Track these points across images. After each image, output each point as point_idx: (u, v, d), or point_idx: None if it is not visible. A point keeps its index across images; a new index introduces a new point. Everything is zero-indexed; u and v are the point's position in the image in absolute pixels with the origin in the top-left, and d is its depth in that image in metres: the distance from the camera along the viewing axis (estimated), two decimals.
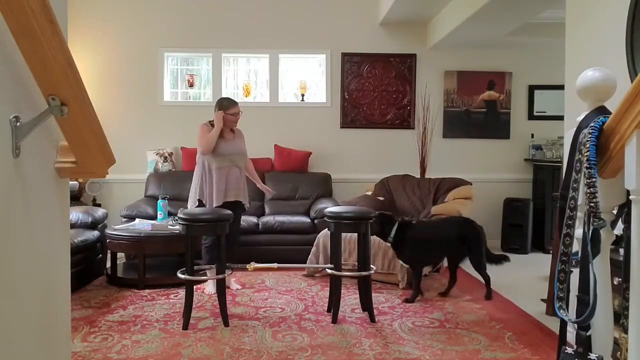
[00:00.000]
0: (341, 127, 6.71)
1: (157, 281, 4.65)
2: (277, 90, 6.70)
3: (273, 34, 6.59)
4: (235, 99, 6.73)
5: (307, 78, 6.79)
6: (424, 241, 4.37)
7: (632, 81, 2.54)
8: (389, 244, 4.70)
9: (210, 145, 4.37)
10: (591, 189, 1.59)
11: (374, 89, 6.70)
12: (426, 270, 4.97)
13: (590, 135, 1.63)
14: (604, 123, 1.63)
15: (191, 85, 6.71)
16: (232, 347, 3.27)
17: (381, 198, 6.03)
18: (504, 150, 6.80)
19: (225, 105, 4.56)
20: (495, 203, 6.62)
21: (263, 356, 3.14)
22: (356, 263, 4.23)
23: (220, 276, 3.71)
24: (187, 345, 3.30)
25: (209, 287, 4.47)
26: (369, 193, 6.16)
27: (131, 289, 4.55)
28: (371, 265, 4.02)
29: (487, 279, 4.45)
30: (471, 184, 5.96)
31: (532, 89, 6.79)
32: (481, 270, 4.46)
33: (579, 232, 1.69)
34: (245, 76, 6.87)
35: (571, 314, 1.69)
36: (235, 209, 4.29)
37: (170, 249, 4.84)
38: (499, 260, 4.59)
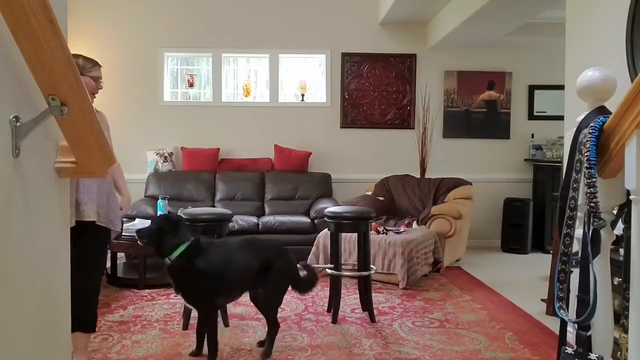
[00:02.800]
0: (341, 127, 6.71)
1: (157, 281, 4.64)
2: (277, 90, 6.70)
3: (273, 34, 6.59)
4: (235, 99, 6.88)
5: (307, 78, 6.79)
6: (216, 272, 2.98)
7: (632, 81, 2.54)
8: (389, 244, 4.71)
9: None
10: (591, 189, 1.59)
11: (374, 89, 6.70)
12: (426, 270, 4.98)
13: (590, 135, 1.63)
14: (604, 123, 1.63)
15: (191, 85, 6.71)
16: (232, 347, 3.27)
17: (381, 198, 6.04)
18: (504, 150, 6.80)
19: (82, 65, 2.92)
20: (495, 203, 6.63)
21: None
22: (356, 263, 4.23)
23: None
24: (187, 345, 3.30)
25: None
26: (369, 193, 6.16)
27: (131, 289, 4.55)
28: (371, 265, 4.02)
29: (271, 325, 3.16)
30: (471, 184, 5.97)
31: (532, 89, 6.79)
32: (268, 311, 3.20)
33: (579, 232, 1.69)
34: (245, 76, 6.87)
35: (571, 314, 1.69)
36: (82, 235, 2.64)
37: None
38: (307, 285, 3.32)
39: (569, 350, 1.65)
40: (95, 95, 3.02)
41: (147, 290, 4.51)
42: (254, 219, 5.68)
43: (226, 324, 3.65)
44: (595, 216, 1.60)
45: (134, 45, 6.53)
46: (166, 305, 4.14)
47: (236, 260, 3.06)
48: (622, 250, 1.70)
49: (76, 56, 2.84)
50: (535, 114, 6.82)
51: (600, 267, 1.64)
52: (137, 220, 5.22)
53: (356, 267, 4.17)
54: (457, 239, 5.50)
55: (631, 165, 1.52)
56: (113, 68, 6.49)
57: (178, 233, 2.96)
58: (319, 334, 3.54)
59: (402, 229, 5.13)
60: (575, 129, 1.74)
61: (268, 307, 3.18)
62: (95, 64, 3.04)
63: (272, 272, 3.08)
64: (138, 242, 3.11)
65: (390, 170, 6.41)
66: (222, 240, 3.47)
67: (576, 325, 1.63)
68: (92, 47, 6.43)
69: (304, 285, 3.28)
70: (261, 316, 3.87)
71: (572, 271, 1.71)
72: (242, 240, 3.30)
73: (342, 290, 4.05)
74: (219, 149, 6.51)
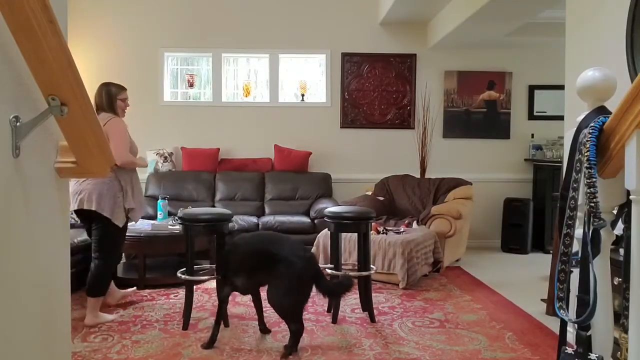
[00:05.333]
0: (341, 127, 6.71)
1: (157, 281, 4.65)
2: (277, 90, 6.70)
3: (273, 34, 6.59)
4: (235, 99, 6.87)
5: (307, 78, 6.79)
6: (228, 256, 3.41)
7: (632, 81, 2.54)
8: (389, 244, 4.72)
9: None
10: (591, 189, 1.59)
11: (374, 89, 6.70)
12: (426, 270, 4.99)
13: (590, 135, 1.63)
14: (604, 123, 1.63)
15: (191, 85, 6.71)
16: (232, 347, 3.27)
17: (381, 198, 6.04)
18: (504, 150, 6.80)
19: (114, 91, 3.92)
20: (495, 203, 6.62)
21: (263, 356, 3.14)
22: (356, 263, 4.23)
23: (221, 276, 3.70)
24: (187, 345, 3.30)
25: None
26: (369, 193, 6.16)
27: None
28: (371, 265, 4.02)
29: (293, 332, 3.17)
30: (471, 184, 5.97)
31: (532, 89, 6.79)
32: (276, 311, 3.25)
33: (579, 232, 1.69)
34: (245, 76, 6.87)
35: (571, 314, 1.69)
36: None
37: (170, 249, 4.84)
38: (339, 290, 3.39)
39: (569, 350, 1.65)
40: (125, 111, 3.99)
41: (147, 290, 4.51)
42: (254, 219, 5.68)
43: (226, 324, 3.65)
44: (595, 216, 1.60)
45: (134, 45, 6.53)
46: (166, 305, 4.14)
47: (245, 247, 3.36)
48: (622, 250, 1.70)
49: (107, 84, 3.95)
50: (535, 114, 6.81)
51: (600, 267, 1.64)
52: None
53: (356, 267, 4.17)
54: (457, 239, 5.50)
55: (631, 165, 1.52)
56: (113, 68, 6.49)
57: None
58: (319, 334, 3.54)
59: (402, 229, 5.13)
60: (575, 129, 1.74)
61: (274, 306, 3.21)
62: (122, 88, 3.97)
63: (278, 268, 3.13)
64: None
65: (390, 170, 6.41)
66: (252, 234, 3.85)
67: (576, 325, 1.63)
68: (92, 47, 6.45)
69: (328, 290, 3.32)
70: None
71: (572, 271, 1.71)
72: (263, 233, 3.64)
73: None
74: (219, 149, 6.52)
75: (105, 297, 3.95)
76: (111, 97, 3.87)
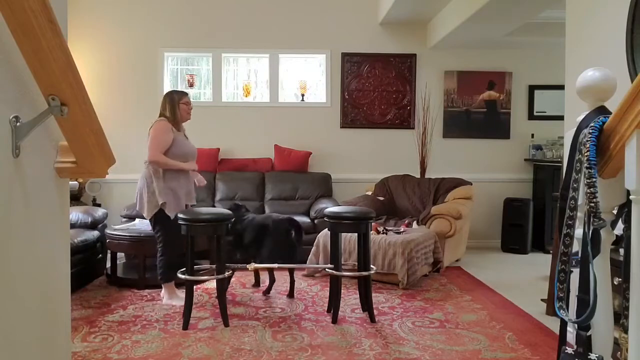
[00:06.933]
0: (341, 127, 6.71)
1: (157, 281, 4.64)
2: (277, 90, 6.70)
3: (273, 34, 6.59)
4: (235, 99, 6.87)
5: (307, 78, 6.79)
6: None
7: (632, 81, 2.54)
8: (389, 244, 4.73)
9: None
10: (591, 189, 1.59)
11: (374, 89, 6.70)
12: (426, 270, 5.00)
13: (590, 135, 1.63)
14: (604, 123, 1.63)
15: (191, 85, 6.71)
16: (232, 347, 3.27)
17: (381, 198, 6.04)
18: (504, 150, 6.80)
19: (177, 97, 4.22)
20: (495, 203, 6.62)
21: (263, 356, 3.14)
22: (356, 263, 4.23)
23: (221, 276, 3.71)
24: (187, 345, 3.30)
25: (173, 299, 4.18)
26: (369, 193, 6.17)
27: (131, 289, 4.55)
28: (371, 265, 4.02)
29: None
30: (471, 184, 5.97)
31: (532, 89, 6.79)
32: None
33: (579, 232, 1.69)
34: (245, 76, 6.87)
35: (571, 314, 1.69)
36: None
37: None
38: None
39: (569, 350, 1.65)
40: (190, 113, 4.25)
41: (147, 290, 4.51)
42: None
43: (226, 324, 3.65)
44: (595, 216, 1.60)
45: (134, 45, 6.53)
46: (166, 305, 4.14)
47: None
48: (622, 250, 1.70)
49: (170, 92, 4.25)
50: (535, 114, 6.81)
51: (600, 267, 1.64)
52: (137, 220, 5.23)
53: (356, 267, 4.17)
54: (457, 239, 5.50)
55: (631, 165, 1.52)
56: (113, 68, 6.50)
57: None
58: (319, 334, 3.54)
59: (402, 229, 5.13)
60: (575, 129, 1.74)
61: None
62: (183, 94, 4.23)
63: None
64: None
65: (390, 170, 6.41)
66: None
67: (576, 325, 1.63)
68: (92, 47, 6.45)
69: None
70: (261, 316, 3.88)
71: (572, 271, 1.71)
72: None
73: (342, 290, 4.05)
74: (219, 149, 6.52)
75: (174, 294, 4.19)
76: (173, 102, 4.14)
